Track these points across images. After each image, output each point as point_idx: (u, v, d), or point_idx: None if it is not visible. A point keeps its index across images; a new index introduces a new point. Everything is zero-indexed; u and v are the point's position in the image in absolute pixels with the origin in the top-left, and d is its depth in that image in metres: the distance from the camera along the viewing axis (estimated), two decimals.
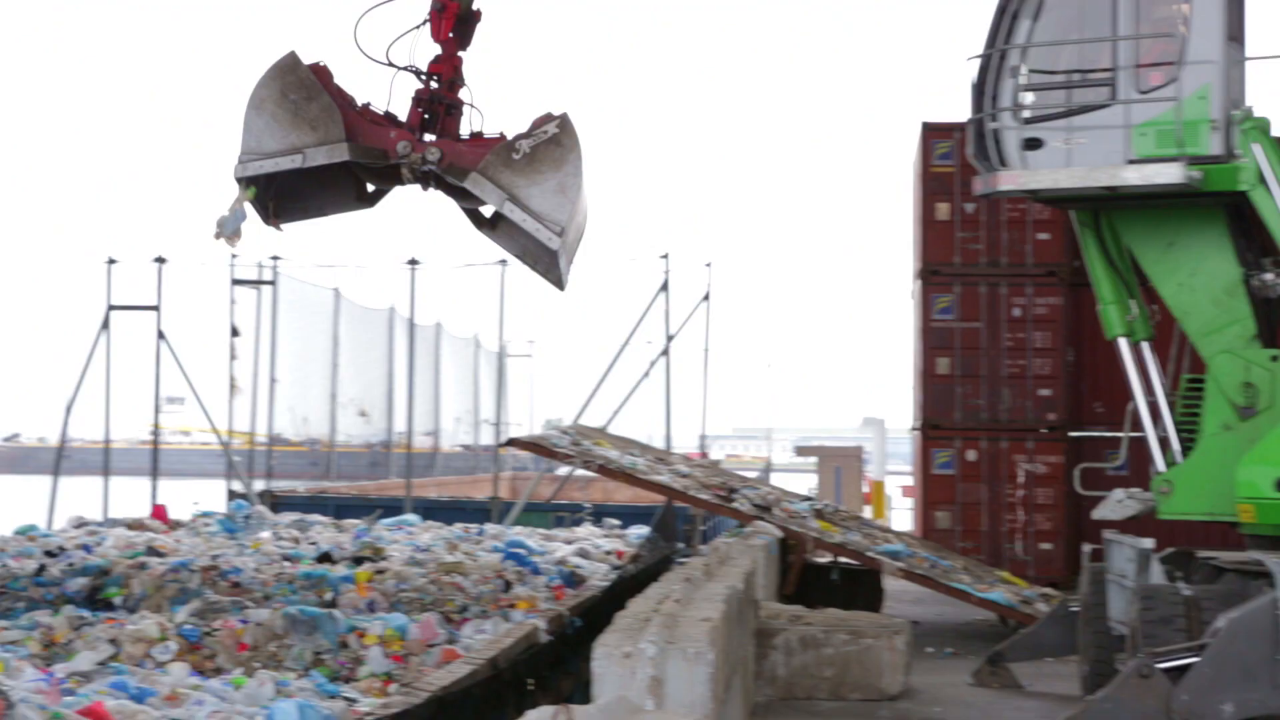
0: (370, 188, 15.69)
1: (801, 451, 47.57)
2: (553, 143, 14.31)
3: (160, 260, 29.54)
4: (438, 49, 14.89)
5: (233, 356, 30.23)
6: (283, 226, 15.55)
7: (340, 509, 27.43)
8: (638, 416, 31.41)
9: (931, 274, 21.83)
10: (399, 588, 15.79)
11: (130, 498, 30.01)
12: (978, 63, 13.47)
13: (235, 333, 30.21)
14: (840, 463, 36.61)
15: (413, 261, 30.13)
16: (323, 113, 14.35)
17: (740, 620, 10.77)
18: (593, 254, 27.88)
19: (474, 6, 15.04)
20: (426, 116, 14.80)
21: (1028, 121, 13.29)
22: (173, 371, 29.50)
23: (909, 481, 33.02)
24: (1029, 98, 13.51)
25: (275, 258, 30.59)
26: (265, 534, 21.77)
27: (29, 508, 28.61)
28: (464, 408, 48.83)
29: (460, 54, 15.02)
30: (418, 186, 14.95)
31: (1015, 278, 21.61)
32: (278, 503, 28.40)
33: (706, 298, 29.92)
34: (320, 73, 14.68)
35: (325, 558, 18.27)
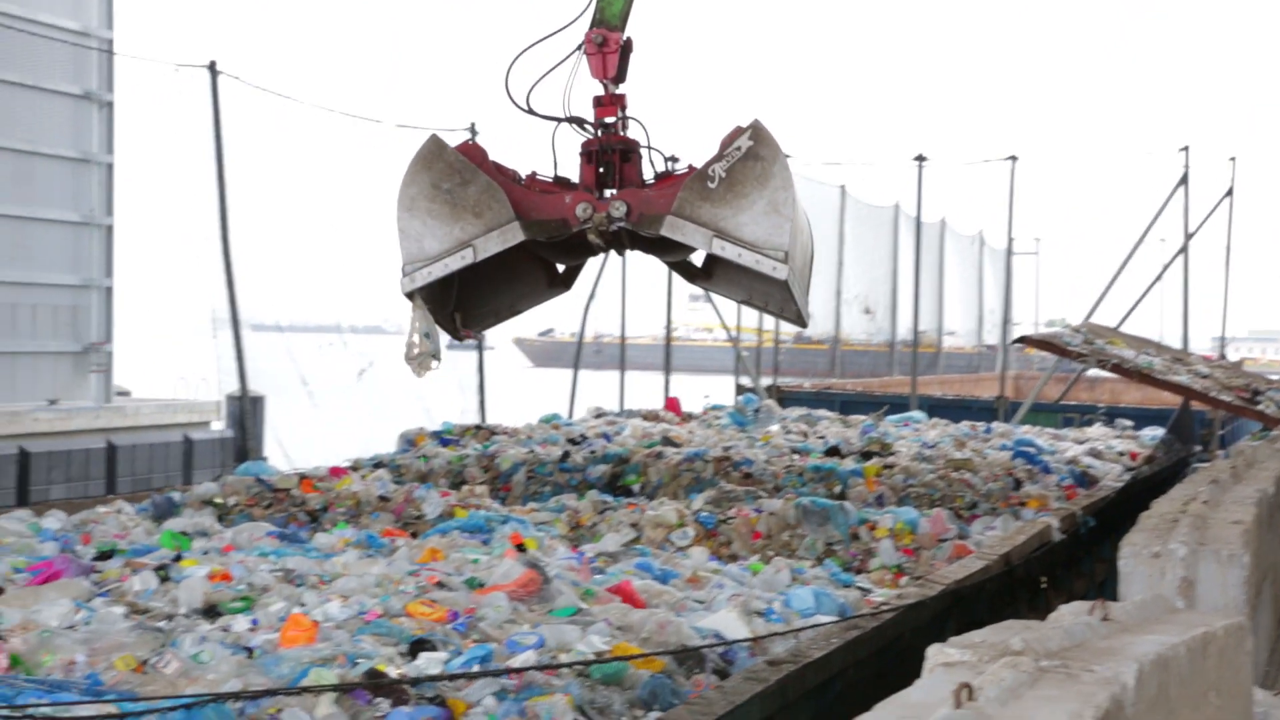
0: (561, 268, 14.28)
1: None
2: (750, 158, 12.12)
3: (671, 159, 30.27)
4: (592, 93, 13.05)
5: None
6: (475, 335, 14.04)
7: (845, 405, 27.70)
8: (1149, 317, 30.38)
9: None
10: (907, 482, 15.80)
11: (645, 391, 31.09)
12: None
13: None
14: None
15: (920, 158, 29.91)
16: (484, 194, 12.59)
17: (1271, 525, 10.30)
18: (1106, 148, 27.15)
19: (626, 36, 13.13)
20: (602, 170, 12.93)
21: None
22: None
23: None
24: None
25: (785, 156, 30.92)
26: (774, 427, 22.16)
27: (554, 398, 30.07)
28: (968, 306, 48.35)
29: (621, 91, 13.11)
30: (613, 254, 13.35)
31: None
32: (784, 398, 28.89)
33: (1230, 193, 28.60)
34: (472, 152, 13.00)
35: (833, 451, 18.45)
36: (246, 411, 23.05)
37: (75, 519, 12.77)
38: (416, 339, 12.83)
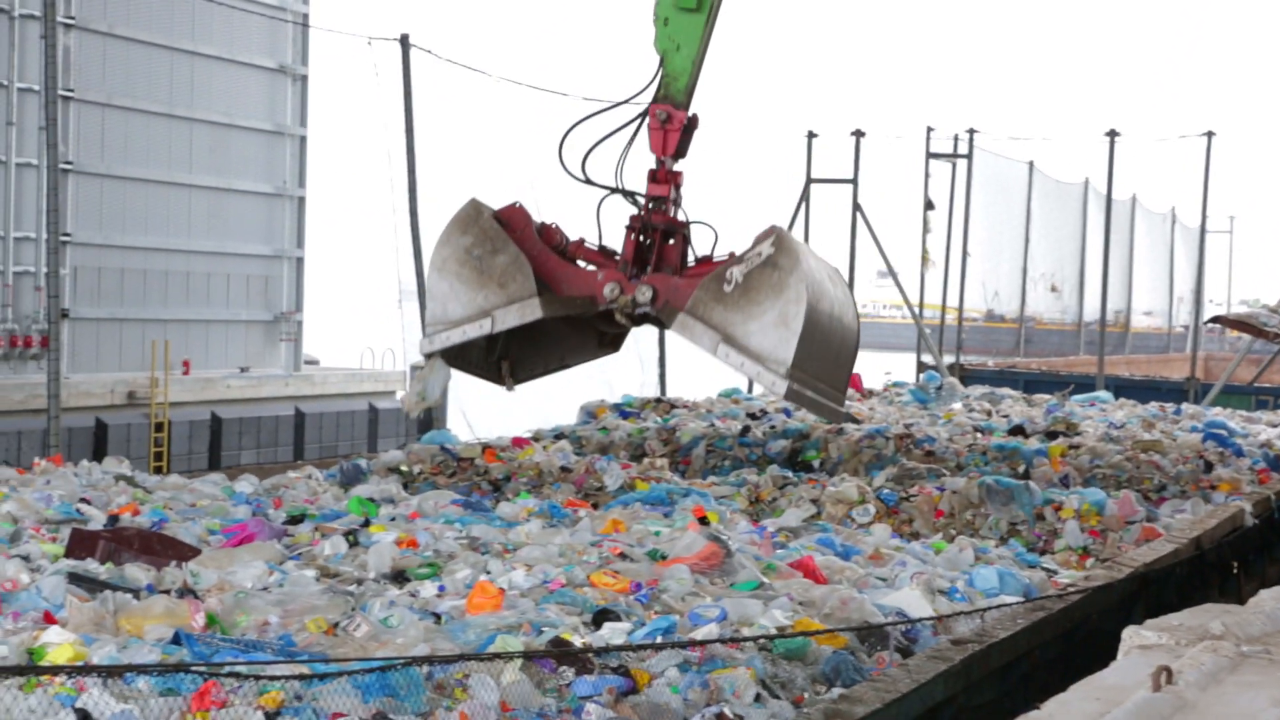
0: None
1: None
2: (768, 265, 12.13)
3: (858, 134, 30.09)
4: (650, 164, 13.19)
5: (926, 229, 30.52)
6: (516, 386, 14.34)
7: (1029, 384, 27.38)
8: None
9: None
10: (1093, 463, 15.55)
11: None
12: None
13: (929, 206, 30.44)
14: None
15: (1111, 133, 29.32)
16: (511, 265, 12.68)
17: None
18: None
19: (692, 113, 13.20)
20: (644, 244, 13.04)
21: None
22: (867, 244, 30.06)
23: None
24: None
25: (971, 131, 30.53)
26: (956, 405, 21.96)
27: (733, 373, 30.04)
28: (1158, 285, 47.36)
29: (679, 169, 13.27)
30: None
31: None
32: (967, 376, 28.58)
33: None
34: (514, 216, 13.08)
35: (1017, 430, 18.22)
36: None
37: (266, 484, 13.09)
38: (420, 386, 13.19)
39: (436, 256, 13.09)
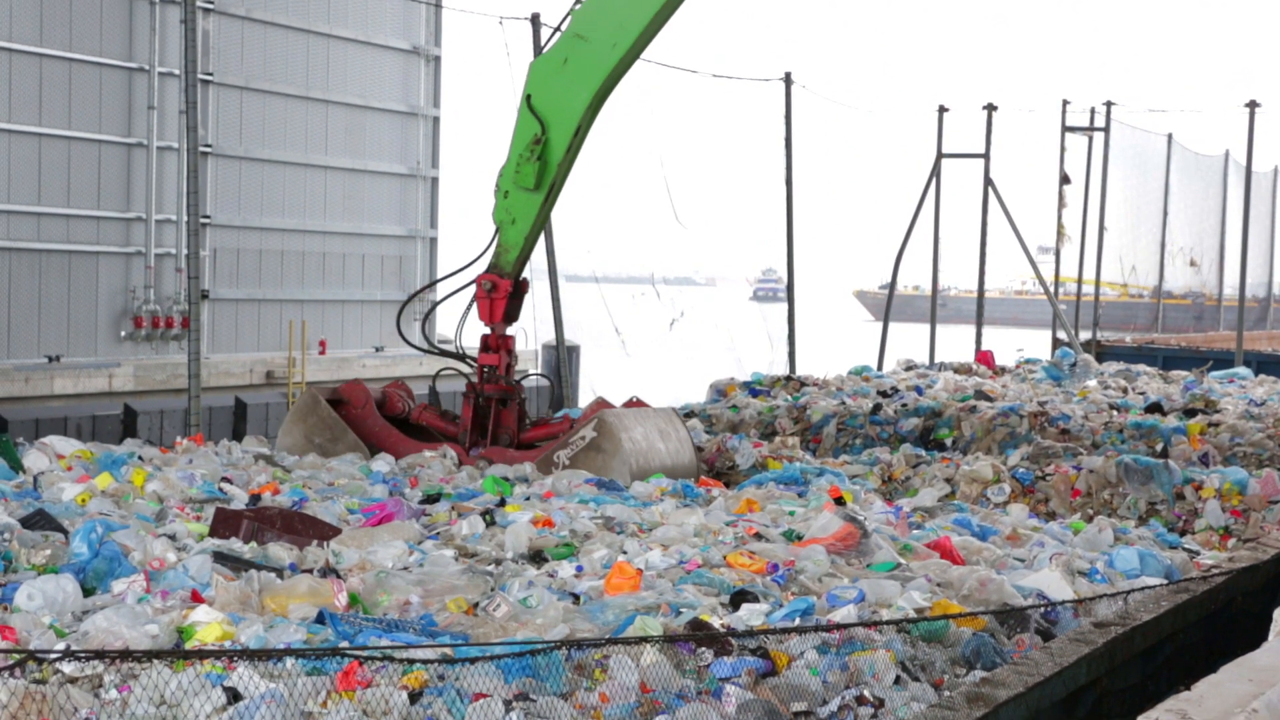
0: None
1: None
2: (592, 449, 12.96)
3: (990, 107, 29.73)
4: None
5: (1061, 204, 30.10)
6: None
7: (1167, 360, 26.96)
8: None
9: None
10: (1234, 441, 15.29)
11: (956, 343, 30.71)
12: None
13: (1065, 180, 30.02)
14: None
15: (1252, 104, 28.70)
16: (351, 452, 13.52)
17: None
18: None
19: (524, 275, 13.92)
20: (483, 405, 13.80)
21: None
22: (999, 220, 29.69)
23: None
24: None
25: (1108, 103, 30.05)
26: (1091, 382, 21.70)
27: (863, 350, 29.96)
28: None
29: (510, 332, 13.99)
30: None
31: None
32: (1103, 352, 28.22)
33: None
34: (354, 394, 14.03)
35: (1155, 408, 17.97)
36: (562, 360, 23.53)
37: (403, 463, 13.24)
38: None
39: (278, 444, 13.94)
